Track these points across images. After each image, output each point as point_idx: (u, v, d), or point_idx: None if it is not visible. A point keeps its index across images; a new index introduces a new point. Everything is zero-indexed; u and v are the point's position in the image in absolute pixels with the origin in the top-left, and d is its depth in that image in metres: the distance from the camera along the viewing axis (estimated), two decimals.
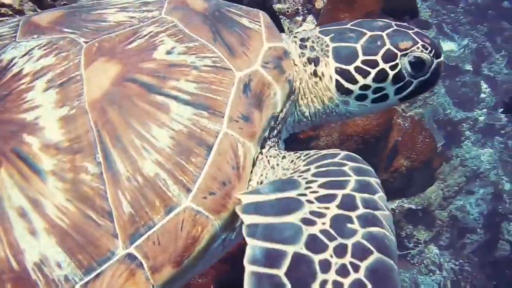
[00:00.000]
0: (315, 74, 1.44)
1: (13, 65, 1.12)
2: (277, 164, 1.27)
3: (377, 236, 0.95)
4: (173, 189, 1.06)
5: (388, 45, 1.37)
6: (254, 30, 1.36)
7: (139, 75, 1.13)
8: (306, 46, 1.47)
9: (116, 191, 1.02)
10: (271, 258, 0.89)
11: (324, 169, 1.13)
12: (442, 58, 1.43)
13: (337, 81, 1.41)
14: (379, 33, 1.39)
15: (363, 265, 0.89)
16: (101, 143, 1.04)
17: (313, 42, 1.46)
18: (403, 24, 1.44)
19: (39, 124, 1.04)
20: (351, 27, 1.44)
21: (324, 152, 1.22)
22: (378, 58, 1.36)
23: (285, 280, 0.86)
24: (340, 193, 1.03)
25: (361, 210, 0.99)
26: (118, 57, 1.14)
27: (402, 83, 1.40)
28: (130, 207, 1.02)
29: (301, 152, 1.28)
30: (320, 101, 1.49)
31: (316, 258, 0.90)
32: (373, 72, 1.37)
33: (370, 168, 1.14)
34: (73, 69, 1.11)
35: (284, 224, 0.96)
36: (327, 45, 1.42)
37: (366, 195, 1.03)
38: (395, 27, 1.41)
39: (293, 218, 0.97)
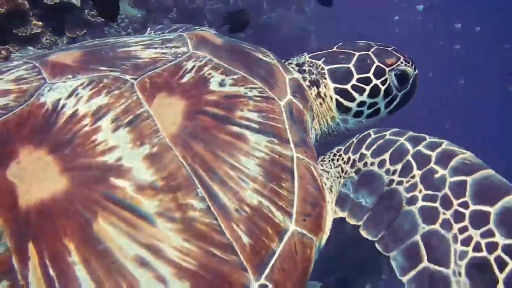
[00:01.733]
0: (318, 95, 1.54)
1: (62, 107, 1.02)
2: (330, 174, 1.36)
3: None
4: (277, 215, 1.07)
5: (377, 62, 1.53)
6: (272, 64, 1.44)
7: (207, 107, 1.13)
8: (305, 71, 1.56)
9: (230, 224, 0.99)
10: (410, 256, 1.05)
11: (377, 148, 1.29)
12: (417, 71, 1.61)
13: (337, 100, 1.53)
14: (366, 52, 1.55)
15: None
16: (197, 177, 1.01)
17: (309, 66, 1.57)
18: (379, 43, 1.61)
19: (124, 166, 0.96)
20: (338, 50, 1.58)
21: (353, 140, 1.39)
22: (371, 75, 1.51)
23: (431, 265, 1.02)
24: (417, 173, 1.18)
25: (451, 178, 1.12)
26: (178, 91, 1.13)
27: (391, 96, 1.56)
28: (248, 238, 1.00)
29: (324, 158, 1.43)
30: (325, 122, 1.60)
31: (438, 227, 1.06)
32: (368, 88, 1.51)
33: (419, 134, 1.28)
34: (135, 106, 1.05)
35: (400, 221, 1.11)
36: (322, 68, 1.54)
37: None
38: (377, 46, 1.58)
39: (401, 209, 1.13)
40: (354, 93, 1.52)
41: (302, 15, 10.47)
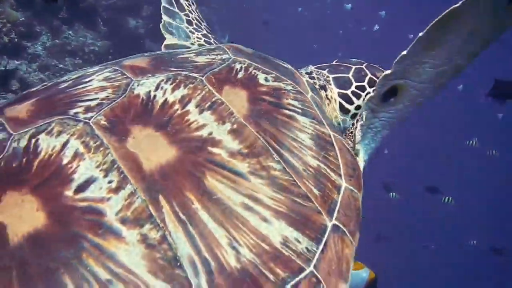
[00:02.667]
0: (326, 97, 1.82)
1: (154, 97, 1.24)
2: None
3: None
4: (332, 175, 1.34)
5: (370, 75, 1.85)
6: (290, 69, 1.72)
7: (263, 96, 1.40)
8: (314, 77, 1.84)
9: (302, 180, 1.24)
10: None
11: None
12: None
13: (340, 103, 1.81)
14: (360, 66, 1.88)
15: None
16: (271, 146, 1.26)
17: (316, 74, 1.85)
18: (365, 62, 1.95)
19: (215, 138, 1.20)
20: (337, 63, 1.92)
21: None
22: (365, 84, 1.83)
23: None
24: None
25: None
26: (238, 84, 1.39)
27: None
28: (317, 190, 1.26)
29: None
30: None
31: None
32: (363, 94, 1.82)
33: None
34: (209, 95, 1.29)
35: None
36: (328, 77, 1.85)
37: None
38: (367, 63, 1.91)
39: None
40: (353, 98, 1.81)
41: (203, 6, 10.65)
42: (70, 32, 8.03)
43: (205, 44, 2.32)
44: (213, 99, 1.29)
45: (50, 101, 1.23)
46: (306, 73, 1.85)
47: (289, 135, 1.33)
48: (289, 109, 1.41)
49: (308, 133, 1.39)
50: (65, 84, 1.31)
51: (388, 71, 1.45)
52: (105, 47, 8.37)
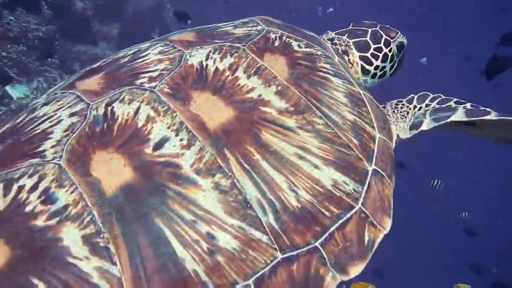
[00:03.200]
0: (348, 61, 1.97)
1: (206, 66, 1.39)
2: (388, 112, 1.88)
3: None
4: (367, 126, 1.51)
5: (385, 36, 2.00)
6: (315, 36, 1.86)
7: (299, 60, 1.54)
8: (336, 44, 1.98)
9: (342, 132, 1.41)
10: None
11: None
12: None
13: (361, 65, 1.96)
14: (375, 28, 2.02)
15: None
16: (312, 104, 1.42)
17: (338, 40, 1.99)
18: (377, 24, 2.10)
19: (265, 99, 1.36)
20: (354, 28, 2.06)
21: (412, 96, 1.89)
22: (382, 45, 1.98)
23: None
24: None
25: None
26: (276, 51, 1.53)
27: (393, 62, 2.04)
28: (356, 141, 1.43)
29: None
30: None
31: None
32: (381, 55, 1.97)
33: None
34: (253, 62, 1.44)
35: None
36: (348, 42, 1.98)
37: None
38: (380, 25, 2.06)
39: None
40: (372, 59, 1.96)
41: None
42: (12, 18, 7.52)
43: None
44: (257, 65, 1.44)
45: (116, 74, 1.38)
46: (328, 39, 1.99)
47: (326, 94, 1.49)
48: (323, 71, 1.57)
49: (342, 92, 1.54)
50: (125, 59, 1.46)
51: (468, 119, 1.64)
52: (51, 32, 7.92)
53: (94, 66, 1.51)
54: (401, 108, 1.83)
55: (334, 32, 2.05)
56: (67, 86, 1.42)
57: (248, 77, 1.40)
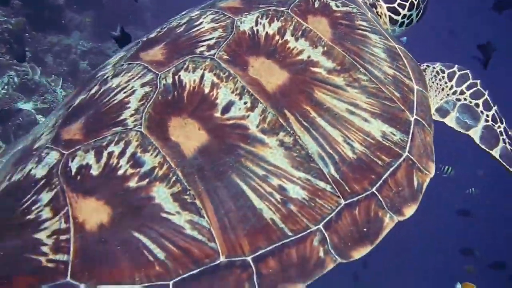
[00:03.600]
0: (377, 14, 2.04)
1: (257, 32, 1.49)
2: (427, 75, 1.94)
3: None
4: (405, 79, 1.62)
5: None
6: None
7: (339, 20, 1.63)
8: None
9: (385, 86, 1.53)
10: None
11: (474, 92, 1.87)
12: None
13: (389, 16, 2.05)
14: None
15: None
16: (356, 61, 1.52)
17: None
18: None
19: (313, 60, 1.46)
20: None
21: (454, 69, 1.90)
22: None
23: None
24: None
25: None
26: (318, 13, 1.62)
27: (419, 9, 2.10)
28: (398, 93, 1.55)
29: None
30: None
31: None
32: (407, 4, 2.04)
33: None
34: (299, 25, 1.54)
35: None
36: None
37: None
38: None
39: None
40: (399, 9, 2.05)
41: None
42: None
43: None
44: (303, 28, 1.54)
45: (176, 44, 1.47)
46: None
47: (367, 50, 1.59)
48: (361, 29, 1.66)
49: (380, 47, 1.65)
50: (181, 29, 1.53)
51: None
52: (20, 24, 7.68)
53: (152, 36, 1.58)
54: (440, 80, 1.88)
55: None
56: (131, 57, 1.49)
57: (296, 39, 1.49)
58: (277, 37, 1.49)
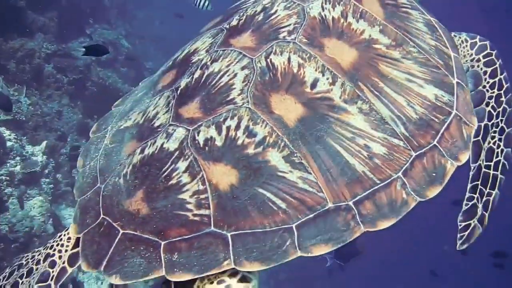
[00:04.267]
0: None
1: (325, 16, 1.72)
2: None
3: None
4: (444, 48, 1.84)
5: None
6: None
7: (385, 2, 1.85)
8: None
9: (431, 56, 1.77)
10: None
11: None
12: None
13: None
14: None
15: None
16: (406, 36, 1.77)
17: None
18: None
19: (374, 38, 1.71)
20: None
21: (476, 40, 2.11)
22: None
23: None
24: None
25: None
26: None
27: None
28: (441, 61, 1.78)
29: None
30: None
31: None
32: None
33: None
34: (356, 8, 1.76)
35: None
36: None
37: None
38: None
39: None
40: None
41: None
42: None
43: None
44: (360, 10, 1.77)
45: (261, 31, 1.68)
46: None
47: (412, 26, 1.84)
48: (404, 7, 1.90)
49: (421, 22, 1.89)
50: (260, 17, 1.74)
51: None
52: None
53: (234, 24, 1.77)
54: (464, 48, 2.12)
55: None
56: (222, 44, 1.69)
57: (357, 21, 1.73)
58: (342, 20, 1.71)
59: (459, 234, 1.88)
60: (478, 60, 2.07)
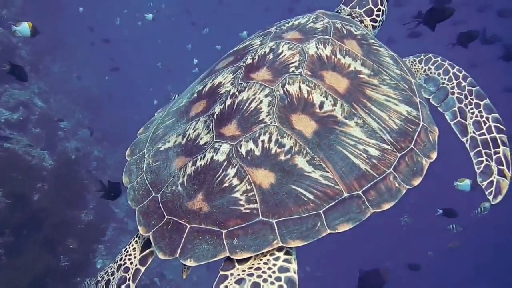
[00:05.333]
0: (365, 26, 2.79)
1: (320, 54, 2.20)
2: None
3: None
4: (407, 76, 2.32)
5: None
6: (347, 16, 2.78)
7: (361, 41, 2.34)
8: (355, 17, 2.79)
9: (399, 82, 2.26)
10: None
11: (436, 66, 2.64)
12: None
13: (371, 25, 2.81)
14: None
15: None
16: (380, 67, 2.27)
17: (354, 13, 2.81)
18: None
19: (358, 69, 2.20)
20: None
21: (421, 57, 2.70)
22: (380, 6, 2.81)
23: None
24: (455, 81, 2.66)
25: None
26: (348, 37, 2.36)
27: (385, 13, 2.89)
28: (406, 85, 2.29)
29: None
30: None
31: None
32: (380, 13, 2.81)
33: None
34: (341, 47, 2.27)
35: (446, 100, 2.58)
36: (360, 12, 2.79)
37: None
38: None
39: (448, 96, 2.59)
40: (376, 18, 2.83)
41: None
42: None
43: None
44: (345, 48, 2.27)
45: (274, 67, 2.15)
46: (348, 15, 2.82)
47: (382, 59, 2.35)
48: (374, 45, 2.41)
49: (388, 56, 2.41)
50: (270, 56, 2.20)
51: None
52: None
53: (249, 62, 2.22)
54: (415, 66, 2.67)
55: (347, 7, 2.83)
56: (244, 78, 2.13)
57: (344, 57, 2.22)
58: (333, 57, 2.20)
59: (487, 191, 2.27)
60: (429, 69, 2.62)
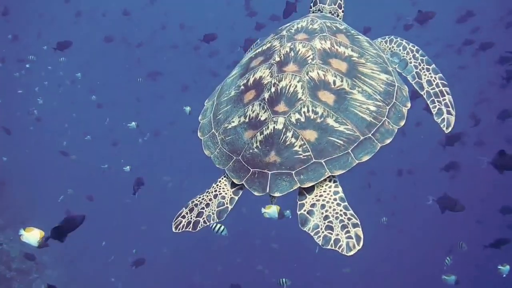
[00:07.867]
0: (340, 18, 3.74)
1: (324, 48, 3.13)
2: None
3: None
4: (382, 54, 3.30)
5: None
6: (329, 15, 3.72)
7: (346, 32, 3.27)
8: (333, 13, 3.75)
9: (378, 59, 3.25)
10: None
11: (397, 43, 3.63)
12: None
13: (342, 16, 3.76)
14: None
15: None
16: (363, 50, 3.24)
17: (333, 10, 3.75)
18: None
19: (350, 54, 3.15)
20: None
21: (385, 38, 3.68)
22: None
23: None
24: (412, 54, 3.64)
25: None
26: (338, 32, 3.21)
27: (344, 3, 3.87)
28: (382, 60, 3.28)
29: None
30: None
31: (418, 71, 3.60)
32: (342, 3, 3.79)
33: None
34: (335, 40, 3.19)
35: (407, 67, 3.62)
36: (337, 9, 3.76)
37: None
38: None
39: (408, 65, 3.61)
40: (343, 7, 3.77)
41: None
42: None
43: None
44: (339, 41, 3.06)
45: (298, 61, 3.06)
46: (329, 12, 3.74)
47: (363, 44, 3.25)
48: (355, 35, 3.21)
49: (365, 41, 3.31)
50: (292, 54, 3.10)
51: None
52: None
53: (277, 60, 3.02)
54: (383, 45, 3.60)
55: (327, 5, 3.73)
56: (279, 71, 2.97)
57: (339, 47, 3.12)
58: (332, 48, 3.11)
59: (441, 125, 3.09)
60: (392, 47, 3.55)
